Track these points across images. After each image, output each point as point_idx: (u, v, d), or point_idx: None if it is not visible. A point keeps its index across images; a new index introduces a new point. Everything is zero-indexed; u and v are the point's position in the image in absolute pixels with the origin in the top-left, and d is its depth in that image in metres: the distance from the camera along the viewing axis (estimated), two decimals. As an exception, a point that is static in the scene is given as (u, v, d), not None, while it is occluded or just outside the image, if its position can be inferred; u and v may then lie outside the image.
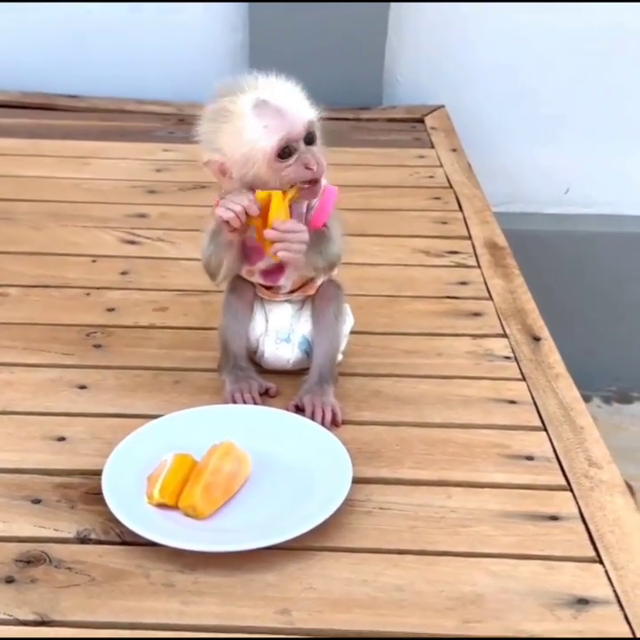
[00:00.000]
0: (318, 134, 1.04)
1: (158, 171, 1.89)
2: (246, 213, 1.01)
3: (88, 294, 1.40)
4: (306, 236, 1.02)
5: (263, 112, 1.01)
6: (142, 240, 1.59)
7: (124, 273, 1.47)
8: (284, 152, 1.01)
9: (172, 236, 1.59)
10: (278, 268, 1.11)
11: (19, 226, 1.63)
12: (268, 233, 1.02)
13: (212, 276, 1.10)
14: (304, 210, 1.08)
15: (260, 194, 1.02)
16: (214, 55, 2.30)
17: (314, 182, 1.04)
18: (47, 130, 2.08)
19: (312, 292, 1.15)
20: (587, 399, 2.46)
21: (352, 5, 2.19)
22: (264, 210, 1.02)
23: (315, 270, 1.10)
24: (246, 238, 1.08)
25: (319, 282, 1.15)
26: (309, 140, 1.02)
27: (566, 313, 2.40)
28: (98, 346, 1.27)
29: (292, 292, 1.15)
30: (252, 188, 1.02)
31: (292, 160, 1.02)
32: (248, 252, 1.11)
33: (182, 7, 2.27)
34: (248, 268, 1.13)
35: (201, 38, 2.31)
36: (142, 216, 1.68)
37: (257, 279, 1.14)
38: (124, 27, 2.29)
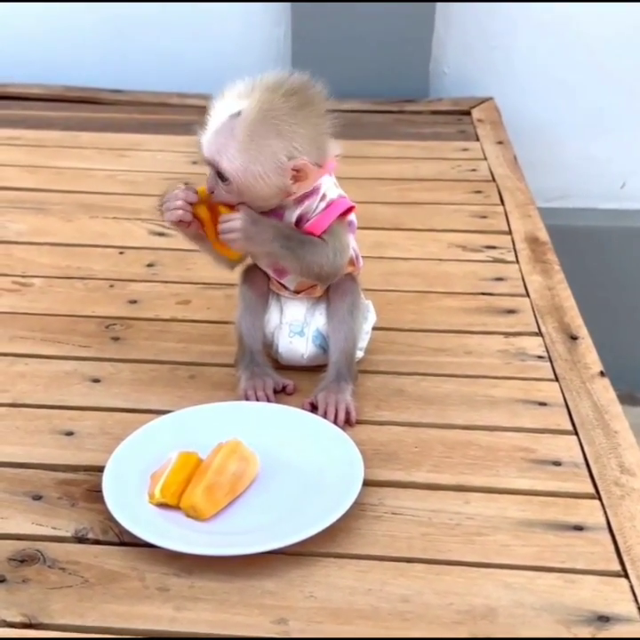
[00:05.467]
0: (231, 181, 1.00)
1: (194, 163, 1.85)
2: (189, 203, 1.02)
3: (112, 286, 1.38)
4: (236, 224, 0.99)
5: (217, 120, 1.00)
6: (172, 232, 1.52)
7: (150, 265, 1.44)
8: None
9: (203, 228, 1.56)
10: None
11: (49, 217, 1.61)
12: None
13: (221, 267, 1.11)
14: (294, 219, 1.04)
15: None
16: (257, 48, 2.27)
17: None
18: (87, 122, 2.07)
19: (318, 294, 1.12)
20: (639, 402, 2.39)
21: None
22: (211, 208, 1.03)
23: (296, 272, 1.06)
24: None
25: (323, 287, 1.10)
26: (219, 174, 1.00)
27: (622, 312, 2.32)
28: (116, 338, 1.24)
29: (297, 292, 1.11)
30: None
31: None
32: None
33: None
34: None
35: (244, 31, 2.28)
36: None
37: (267, 270, 1.11)
38: (166, 20, 2.27)
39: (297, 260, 1.03)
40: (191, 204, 1.02)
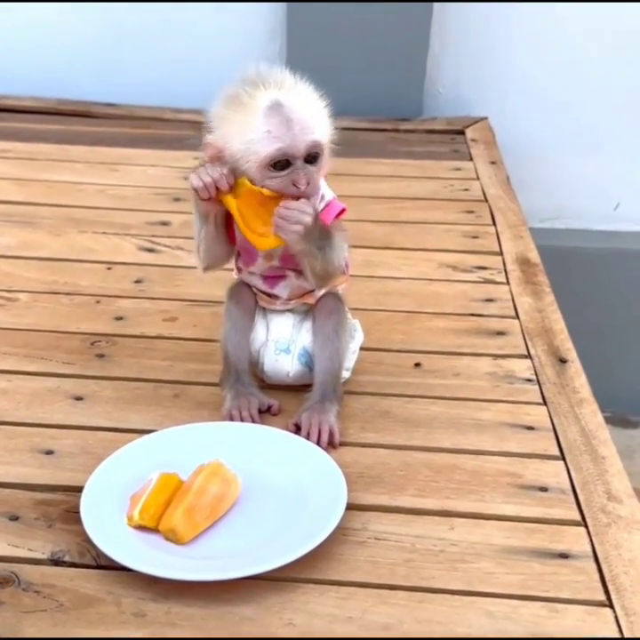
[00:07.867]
0: (324, 153, 1.00)
1: (186, 178, 1.83)
2: (217, 188, 0.99)
3: (98, 302, 1.36)
4: (307, 219, 0.97)
5: (273, 116, 0.97)
6: (161, 248, 1.54)
7: (137, 281, 1.43)
8: (278, 163, 0.98)
9: (192, 244, 1.54)
10: (279, 274, 1.08)
11: (38, 231, 1.60)
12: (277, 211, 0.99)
13: (200, 259, 1.08)
14: None
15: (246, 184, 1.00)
16: (252, 64, 2.26)
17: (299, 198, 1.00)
18: (78, 136, 2.06)
19: (312, 301, 1.11)
20: (636, 425, 2.36)
21: (393, 15, 2.13)
22: (247, 201, 0.99)
23: (312, 273, 1.05)
24: (241, 238, 1.05)
25: (319, 293, 1.10)
26: (311, 159, 0.99)
27: (615, 334, 2.31)
28: (101, 356, 1.22)
29: (289, 300, 1.10)
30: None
31: (283, 173, 0.98)
32: (242, 253, 1.09)
33: (223, 9, 2.22)
34: (248, 268, 1.10)
35: (239, 47, 2.27)
36: (164, 224, 1.63)
37: (257, 282, 1.10)
38: (161, 35, 2.27)
39: (322, 259, 1.02)
40: (218, 189, 0.99)
